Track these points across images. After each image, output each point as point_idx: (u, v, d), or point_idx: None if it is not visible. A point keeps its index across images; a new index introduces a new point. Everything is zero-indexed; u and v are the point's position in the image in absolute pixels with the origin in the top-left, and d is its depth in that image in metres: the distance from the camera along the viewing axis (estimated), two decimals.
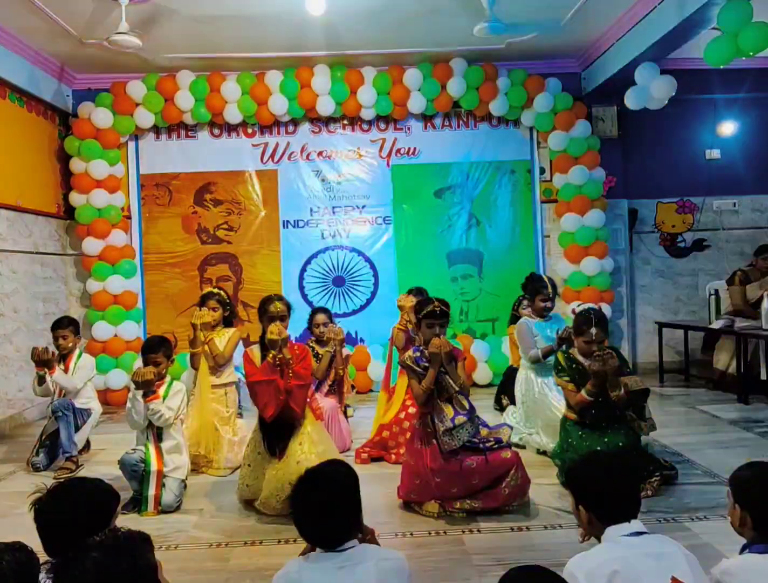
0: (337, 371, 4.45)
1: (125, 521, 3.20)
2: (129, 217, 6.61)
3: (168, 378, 3.63)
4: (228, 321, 4.48)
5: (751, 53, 4.13)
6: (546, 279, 4.48)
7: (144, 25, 5.10)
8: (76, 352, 4.44)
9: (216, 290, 4.55)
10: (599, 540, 1.77)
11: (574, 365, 3.57)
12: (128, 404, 3.50)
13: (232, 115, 6.35)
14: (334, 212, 6.74)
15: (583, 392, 3.43)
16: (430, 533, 3.07)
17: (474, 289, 6.75)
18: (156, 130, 6.61)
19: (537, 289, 4.41)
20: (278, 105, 6.29)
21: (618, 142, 6.77)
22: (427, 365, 3.24)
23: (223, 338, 4.34)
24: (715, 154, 7.00)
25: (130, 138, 6.55)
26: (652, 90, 5.61)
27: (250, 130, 6.69)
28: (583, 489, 1.79)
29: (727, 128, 6.94)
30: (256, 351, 3.43)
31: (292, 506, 1.80)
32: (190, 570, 2.74)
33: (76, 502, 1.67)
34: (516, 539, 2.98)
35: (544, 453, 4.14)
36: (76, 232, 6.36)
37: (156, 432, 3.52)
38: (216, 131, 6.68)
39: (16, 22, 5.14)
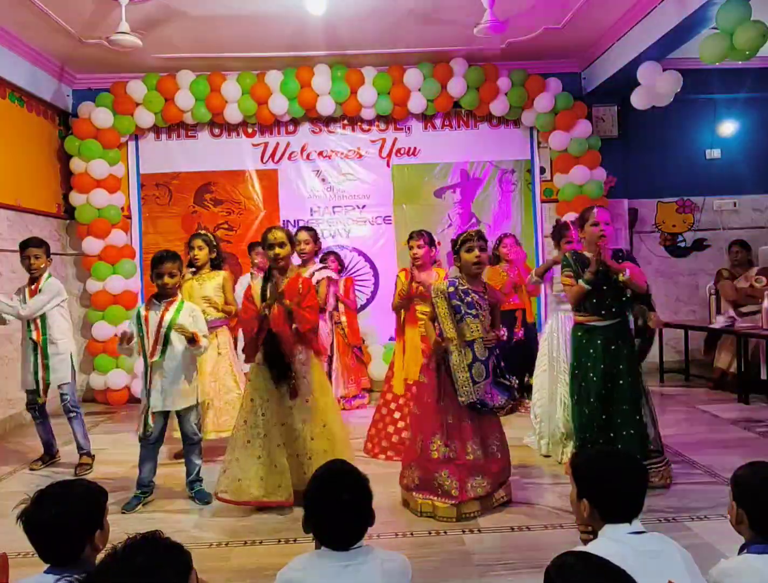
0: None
1: (126, 521, 3.23)
2: (129, 217, 6.61)
3: (179, 296, 3.58)
4: (216, 263, 4.44)
5: (747, 53, 4.12)
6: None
7: (144, 25, 5.11)
8: (45, 275, 4.20)
9: (203, 231, 4.55)
10: (595, 534, 1.76)
11: (579, 260, 3.56)
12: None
13: (233, 115, 6.35)
14: (334, 212, 6.74)
15: (581, 281, 3.43)
16: (430, 533, 3.07)
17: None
18: (156, 130, 6.61)
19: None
20: (278, 105, 6.29)
21: (618, 142, 6.77)
22: (459, 303, 3.18)
23: (213, 281, 4.35)
24: (715, 153, 7.00)
25: (130, 138, 6.55)
26: (657, 87, 5.58)
27: (250, 130, 6.69)
28: (592, 484, 1.78)
29: (728, 128, 6.95)
30: (257, 286, 3.43)
31: (312, 503, 1.75)
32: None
33: (67, 505, 1.63)
34: (516, 539, 2.98)
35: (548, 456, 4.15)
36: (76, 232, 6.36)
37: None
38: (216, 131, 6.68)
39: (16, 22, 5.15)
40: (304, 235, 4.63)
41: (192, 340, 3.41)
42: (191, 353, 3.52)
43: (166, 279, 3.45)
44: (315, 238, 4.74)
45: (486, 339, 3.20)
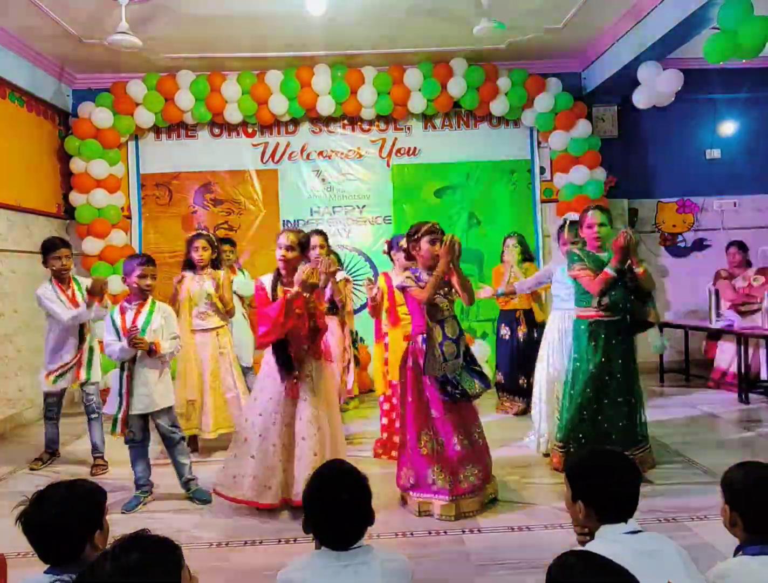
0: (337, 301, 4.45)
1: (126, 521, 3.23)
2: (129, 217, 6.61)
3: (149, 298, 3.56)
4: (215, 264, 4.44)
5: (752, 50, 4.11)
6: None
7: (144, 25, 5.10)
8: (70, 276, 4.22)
9: (204, 232, 4.53)
10: (593, 536, 1.76)
11: (590, 254, 3.68)
12: (113, 346, 3.40)
13: (233, 115, 6.35)
14: (334, 212, 6.75)
15: (607, 269, 3.53)
16: (430, 533, 3.07)
17: (474, 288, 6.74)
18: (156, 130, 6.62)
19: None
20: (278, 105, 6.29)
21: (618, 141, 6.77)
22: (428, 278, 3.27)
23: (213, 281, 4.35)
24: (715, 153, 7.00)
25: (130, 138, 6.55)
26: (658, 86, 5.58)
27: (250, 130, 6.69)
28: (586, 485, 1.78)
29: (728, 128, 6.95)
30: (267, 283, 3.39)
31: (312, 503, 1.75)
32: (191, 571, 2.74)
33: (66, 505, 1.63)
34: (516, 539, 2.98)
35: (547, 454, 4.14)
36: (76, 231, 6.36)
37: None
38: (216, 131, 6.69)
39: (16, 22, 5.15)
40: (319, 240, 4.61)
41: (150, 351, 3.39)
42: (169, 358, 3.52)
43: (149, 281, 3.47)
44: (326, 241, 4.72)
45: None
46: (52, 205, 6.26)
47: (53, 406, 4.25)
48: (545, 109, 6.37)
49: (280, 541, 3.04)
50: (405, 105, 6.42)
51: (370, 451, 4.35)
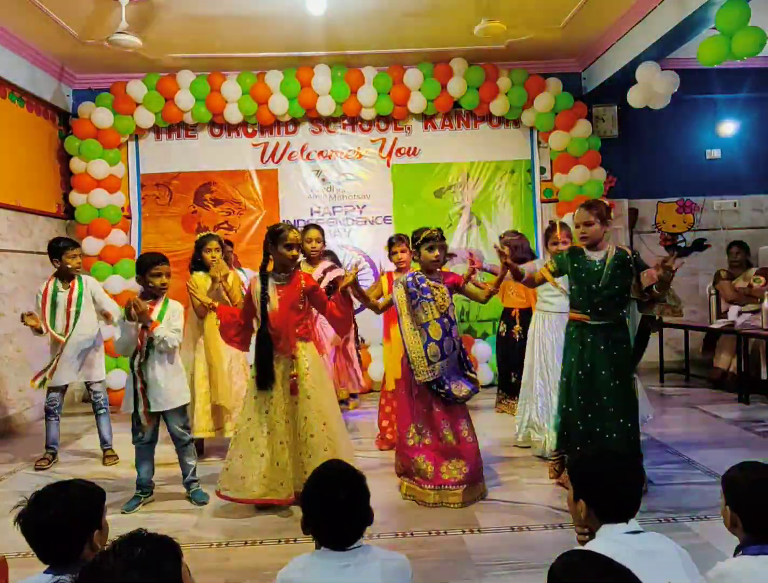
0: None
1: (126, 521, 3.23)
2: (129, 217, 6.61)
3: (164, 297, 3.54)
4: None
5: (744, 57, 4.14)
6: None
7: (144, 25, 5.11)
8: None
9: (214, 233, 4.55)
10: (593, 535, 1.76)
11: (580, 257, 3.44)
12: (119, 334, 3.38)
13: (233, 115, 6.35)
14: (334, 212, 6.74)
15: (550, 276, 3.49)
16: (430, 533, 3.07)
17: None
18: (156, 130, 6.62)
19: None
20: (278, 105, 6.29)
21: (618, 141, 6.77)
22: (415, 290, 3.41)
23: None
24: (715, 153, 7.01)
25: (131, 138, 6.55)
26: (654, 86, 5.59)
27: (250, 130, 6.69)
28: (589, 484, 1.78)
29: (728, 128, 6.95)
30: (257, 285, 3.42)
31: (310, 503, 1.75)
32: (190, 570, 2.74)
33: (64, 505, 1.62)
34: (516, 539, 2.98)
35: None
36: (76, 231, 6.36)
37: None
38: (216, 131, 6.69)
39: (16, 22, 5.15)
40: (315, 233, 4.56)
41: (146, 325, 3.34)
42: (169, 352, 3.48)
43: (164, 279, 3.46)
44: (323, 236, 4.68)
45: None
46: (52, 205, 6.26)
47: (55, 400, 4.30)
48: (545, 109, 6.37)
49: (280, 541, 3.04)
50: (405, 105, 6.42)
51: (373, 450, 4.36)
